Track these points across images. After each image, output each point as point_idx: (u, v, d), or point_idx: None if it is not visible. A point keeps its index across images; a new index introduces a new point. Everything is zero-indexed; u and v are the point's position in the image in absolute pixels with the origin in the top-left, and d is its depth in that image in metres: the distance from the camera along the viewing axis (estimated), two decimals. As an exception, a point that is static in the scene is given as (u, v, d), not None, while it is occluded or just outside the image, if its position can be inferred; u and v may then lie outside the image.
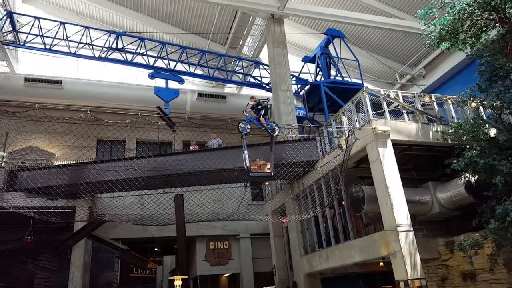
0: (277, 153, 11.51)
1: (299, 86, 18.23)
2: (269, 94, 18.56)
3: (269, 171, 10.47)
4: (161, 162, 11.57)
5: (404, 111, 10.61)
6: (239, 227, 18.46)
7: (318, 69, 18.49)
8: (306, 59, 19.11)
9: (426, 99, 11.19)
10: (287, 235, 14.82)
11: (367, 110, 10.33)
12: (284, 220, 14.51)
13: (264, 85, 18.41)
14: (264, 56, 20.43)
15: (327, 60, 18.40)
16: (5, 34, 15.03)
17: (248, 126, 11.11)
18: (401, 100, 10.83)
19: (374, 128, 9.51)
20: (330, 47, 18.54)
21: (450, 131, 9.71)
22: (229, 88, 23.46)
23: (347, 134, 9.82)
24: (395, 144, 9.68)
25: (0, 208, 11.66)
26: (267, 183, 15.94)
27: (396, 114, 10.67)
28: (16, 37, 15.56)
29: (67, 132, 13.71)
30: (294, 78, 17.87)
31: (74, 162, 12.12)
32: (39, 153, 16.62)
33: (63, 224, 14.49)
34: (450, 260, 9.95)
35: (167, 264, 21.57)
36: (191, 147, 14.99)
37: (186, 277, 13.01)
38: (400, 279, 8.19)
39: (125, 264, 17.98)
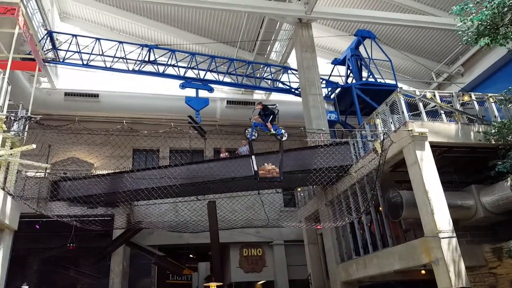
0: (307, 158, 11.39)
1: (329, 89, 17.96)
2: (298, 99, 18.49)
3: (277, 175, 10.40)
4: (193, 169, 11.73)
5: (442, 112, 10.21)
6: (272, 233, 18.33)
7: (349, 71, 18.17)
8: (336, 62, 18.83)
9: (466, 98, 10.71)
10: (322, 242, 14.55)
11: (402, 112, 10.02)
12: (318, 227, 14.27)
13: (293, 90, 18.30)
14: (292, 61, 20.33)
15: (358, 62, 18.05)
16: (46, 52, 15.83)
17: (255, 132, 11.12)
18: (439, 100, 10.42)
19: (411, 130, 9.22)
20: (361, 48, 18.18)
21: (493, 131, 9.23)
22: (258, 95, 23.53)
23: (382, 137, 9.54)
24: (434, 146, 9.31)
25: (44, 216, 12.20)
26: (299, 189, 15.77)
27: (433, 115, 10.28)
28: (56, 55, 16.35)
29: (105, 143, 14.24)
30: (324, 82, 17.63)
31: (112, 171, 12.51)
32: (80, 164, 17.32)
33: (103, 231, 14.96)
34: (498, 268, 9.36)
35: (202, 270, 21.73)
36: (221, 155, 15.11)
37: (221, 284, 13.05)
38: (443, 287, 7.81)
39: (161, 271, 18.29)
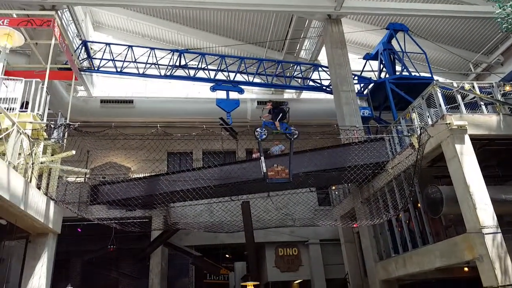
0: (341, 156, 11.17)
1: (362, 85, 17.56)
2: (329, 97, 18.18)
3: (286, 176, 10.20)
4: (226, 170, 11.78)
5: (482, 103, 9.70)
6: (307, 233, 18.14)
7: (381, 66, 17.69)
8: (368, 57, 18.37)
9: (507, 88, 10.13)
10: (358, 241, 14.24)
11: (440, 105, 9.63)
12: (355, 225, 13.97)
13: (324, 88, 18.05)
14: (322, 58, 20.06)
15: (391, 56, 17.53)
16: (81, 61, 16.50)
17: (265, 131, 10.94)
18: (478, 91, 9.90)
19: (449, 123, 8.85)
20: (393, 42, 17.64)
21: (538, 121, 8.65)
22: (288, 94, 23.38)
23: (419, 132, 9.22)
24: (474, 139, 8.89)
25: (85, 220, 12.69)
26: (333, 188, 15.51)
27: (472, 106, 9.80)
28: (91, 63, 17.03)
29: (141, 147, 14.62)
30: (356, 78, 17.26)
31: (148, 174, 12.84)
32: (117, 168, 17.91)
33: (142, 233, 15.38)
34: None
35: (238, 270, 21.83)
36: (254, 155, 15.12)
37: (258, 283, 13.05)
38: (489, 285, 7.48)
39: (199, 271, 18.56)
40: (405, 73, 16.96)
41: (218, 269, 18.58)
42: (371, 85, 17.30)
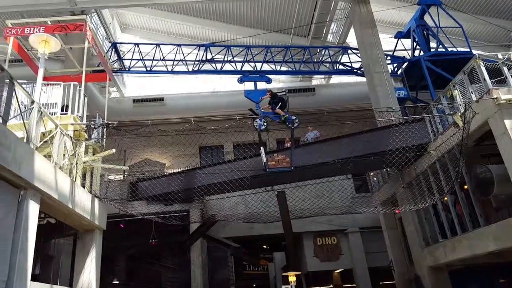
0: (379, 140, 10.80)
1: (395, 65, 16.90)
2: (361, 79, 17.65)
3: (287, 165, 9.92)
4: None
5: (532, 74, 9.02)
6: (345, 221, 17.81)
7: (415, 44, 16.91)
8: (400, 35, 17.61)
9: (557, 55, 9.37)
10: (401, 227, 13.82)
11: (484, 79, 9.05)
12: (396, 211, 13.55)
13: (355, 70, 17.52)
14: (351, 40, 19.46)
15: (425, 32, 16.72)
16: (112, 63, 16.83)
17: (265, 122, 10.70)
18: (526, 61, 9.23)
19: (496, 98, 8.32)
20: (426, 18, 16.79)
21: None
22: (317, 80, 22.95)
23: (462, 109, 8.70)
24: (525, 113, 8.27)
25: (127, 216, 13.03)
26: (371, 173, 15.09)
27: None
28: (122, 64, 17.34)
29: (174, 143, 14.79)
30: (388, 58, 16.61)
31: (183, 169, 12.98)
32: (153, 164, 18.26)
33: (181, 226, 15.64)
34: None
35: (278, 260, 21.90)
36: (286, 144, 14.95)
37: (300, 273, 12.96)
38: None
39: (238, 262, 18.72)
40: (441, 49, 16.16)
41: (257, 260, 18.67)
42: (405, 64, 16.62)
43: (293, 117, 10.84)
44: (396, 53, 17.33)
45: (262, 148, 10.40)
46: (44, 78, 10.97)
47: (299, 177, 12.90)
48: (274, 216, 13.70)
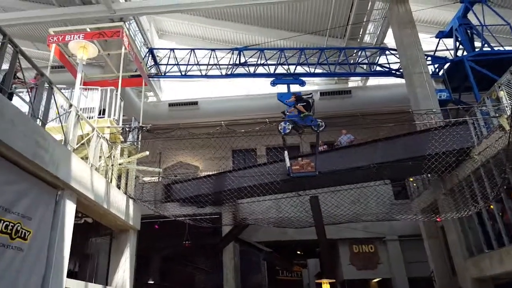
0: (418, 144, 10.29)
1: (436, 66, 16.14)
2: (400, 81, 17.02)
3: (312, 169, 9.49)
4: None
5: None
6: (383, 228, 17.15)
7: (457, 43, 16.06)
8: (441, 35, 16.79)
9: None
10: (443, 236, 13.08)
11: (533, 79, 8.36)
12: (438, 219, 12.84)
13: (393, 72, 16.91)
14: (389, 41, 18.83)
15: (468, 31, 15.83)
16: (149, 68, 17.32)
17: (289, 125, 10.40)
18: None
19: (548, 98, 7.63)
20: (470, 16, 15.91)
21: None
22: (353, 82, 22.41)
23: (509, 112, 8.10)
24: None
25: (161, 217, 13.28)
26: (411, 179, 14.43)
27: None
28: (158, 69, 17.80)
29: (206, 146, 14.93)
30: (429, 58, 15.90)
31: (215, 172, 13.06)
32: (187, 167, 18.57)
33: (214, 229, 15.74)
34: None
35: (312, 267, 21.49)
36: (320, 148, 14.63)
37: (334, 281, 12.59)
38: None
39: (271, 267, 18.54)
40: (486, 48, 15.23)
41: (290, 266, 18.38)
42: (447, 65, 15.81)
43: (319, 121, 10.57)
44: (437, 54, 16.55)
45: (286, 152, 10.23)
46: (84, 83, 11.47)
47: (333, 181, 12.57)
48: (307, 221, 13.43)
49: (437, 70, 16.11)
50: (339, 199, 13.43)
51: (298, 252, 21.21)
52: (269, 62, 17.15)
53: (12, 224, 4.97)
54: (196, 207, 13.24)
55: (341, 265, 17.53)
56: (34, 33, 20.04)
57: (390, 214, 13.71)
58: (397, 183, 16.23)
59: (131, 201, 9.74)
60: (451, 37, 16.44)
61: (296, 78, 16.45)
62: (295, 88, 16.34)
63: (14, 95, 6.55)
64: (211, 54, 17.18)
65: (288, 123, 10.81)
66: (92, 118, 9.73)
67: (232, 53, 17.26)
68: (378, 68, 17.41)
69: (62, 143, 6.95)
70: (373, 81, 21.54)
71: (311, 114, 10.96)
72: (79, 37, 9.68)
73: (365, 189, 13.49)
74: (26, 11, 16.64)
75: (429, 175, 12.30)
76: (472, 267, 10.80)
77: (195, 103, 20.66)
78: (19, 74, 7.03)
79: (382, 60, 17.35)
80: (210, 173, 13.74)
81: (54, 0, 17.12)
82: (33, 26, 18.73)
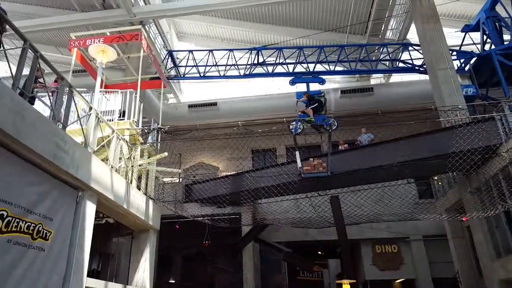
0: (443, 141, 9.95)
1: (462, 61, 15.53)
2: (424, 77, 16.56)
3: (324, 170, 9.24)
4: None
5: None
6: (407, 228, 16.75)
7: (485, 37, 15.43)
8: (467, 29, 16.13)
9: None
10: (470, 236, 12.65)
11: None
12: (464, 219, 12.41)
13: (417, 68, 16.44)
14: (412, 36, 18.33)
15: (496, 24, 15.17)
16: (169, 70, 17.51)
17: (300, 125, 10.23)
18: None
19: None
20: (498, 8, 15.26)
21: None
22: (375, 79, 21.97)
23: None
24: None
25: (181, 217, 13.41)
26: (435, 178, 14.00)
27: None
28: (177, 71, 17.97)
29: (226, 147, 15.00)
30: (454, 53, 15.35)
31: (234, 172, 13.07)
32: (207, 168, 18.69)
33: (233, 229, 15.77)
34: None
35: (333, 267, 21.23)
36: (340, 147, 14.41)
37: (355, 281, 12.37)
38: None
39: (292, 267, 18.43)
40: (515, 41, 14.57)
41: (310, 266, 18.21)
42: (474, 59, 15.21)
43: (331, 120, 10.42)
44: (463, 48, 15.96)
45: (297, 152, 10.14)
46: (105, 86, 11.72)
47: (354, 181, 12.34)
48: (327, 221, 13.24)
49: (463, 65, 15.52)
50: (360, 199, 13.20)
51: (319, 253, 20.99)
52: (287, 61, 17.01)
53: (34, 225, 5.11)
54: (216, 207, 13.30)
55: (363, 265, 17.29)
56: (57, 39, 20.67)
57: (413, 214, 13.35)
58: (422, 182, 15.80)
59: (150, 202, 9.87)
60: (478, 30, 15.79)
61: (315, 77, 16.24)
62: (314, 86, 16.18)
63: (36, 99, 6.75)
64: (229, 55, 17.20)
65: (299, 123, 10.72)
66: (112, 120, 9.92)
67: (250, 53, 17.22)
68: (401, 65, 16.96)
69: (83, 145, 7.10)
70: (396, 77, 21.05)
71: (323, 114, 10.87)
72: (99, 41, 9.89)
73: (388, 189, 13.19)
74: (50, 17, 17.13)
75: (454, 173, 11.90)
76: (499, 268, 10.39)
77: (215, 103, 20.75)
78: (40, 79, 7.24)
79: (405, 56, 16.90)
80: (230, 173, 13.78)
81: (76, 6, 17.58)
82: (57, 31, 19.27)
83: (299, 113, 11.04)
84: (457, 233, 13.69)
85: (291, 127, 10.54)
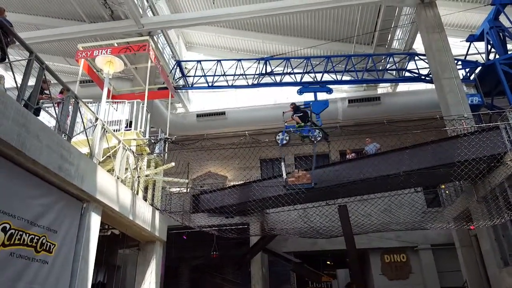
0: (449, 150, 9.89)
1: (467, 70, 15.50)
2: (430, 87, 16.50)
3: (308, 181, 9.23)
4: (317, 174, 11.33)
5: None
6: (415, 237, 16.59)
7: (489, 47, 15.39)
8: (472, 38, 16.12)
9: None
10: (477, 244, 12.48)
11: None
12: (471, 227, 12.26)
13: (423, 77, 16.43)
14: (418, 46, 18.33)
15: (500, 34, 15.13)
16: (177, 80, 17.75)
17: (287, 136, 10.31)
18: None
19: None
20: (502, 18, 15.22)
21: None
22: (382, 88, 21.94)
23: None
24: None
25: (190, 228, 13.45)
26: (442, 186, 13.87)
27: None
28: (185, 81, 18.21)
29: (234, 156, 15.01)
30: (459, 63, 15.32)
31: (240, 182, 13.10)
32: (215, 177, 18.77)
33: (242, 240, 15.73)
34: None
35: (342, 277, 21.05)
36: (347, 156, 14.40)
37: (362, 292, 12.24)
38: None
39: (300, 277, 18.29)
40: (520, 51, 14.47)
41: (319, 276, 18.06)
42: (479, 69, 15.17)
43: (316, 131, 10.53)
44: (468, 57, 15.92)
45: (282, 163, 10.22)
46: (113, 97, 11.93)
47: (360, 190, 12.30)
48: (335, 231, 13.18)
49: (468, 74, 15.49)
50: (368, 208, 13.11)
51: (328, 262, 20.81)
52: (295, 70, 17.13)
53: (38, 237, 5.10)
54: (224, 217, 13.32)
55: (372, 275, 17.15)
56: (65, 49, 21.06)
57: (421, 223, 13.22)
58: (430, 191, 15.66)
59: (157, 213, 9.92)
60: (482, 40, 15.77)
61: (323, 86, 16.32)
62: (322, 96, 16.24)
63: (42, 110, 6.91)
64: (237, 65, 17.38)
65: (286, 134, 10.85)
66: (119, 130, 10.07)
67: (258, 63, 17.39)
68: (407, 74, 16.96)
69: (88, 156, 7.21)
70: (402, 87, 21.01)
71: (308, 125, 11.05)
72: (106, 52, 10.11)
73: (395, 197, 13.09)
74: (58, 28, 17.45)
75: (460, 182, 11.79)
76: (507, 277, 10.21)
77: (223, 113, 20.92)
78: (47, 91, 7.41)
79: (411, 65, 16.89)
80: (238, 183, 13.81)
81: (84, 17, 17.94)
82: (65, 42, 19.63)
83: (285, 124, 11.19)
84: (465, 241, 13.56)
85: (277, 137, 10.66)
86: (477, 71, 15.21)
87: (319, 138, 10.81)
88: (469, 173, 9.19)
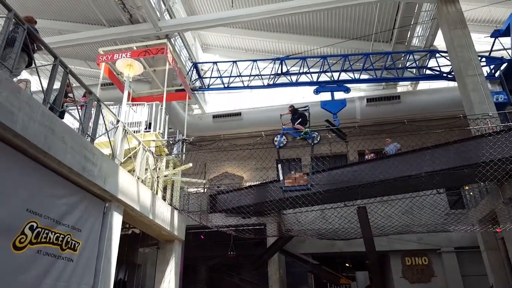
0: (473, 150, 9.61)
1: (492, 67, 15.02)
2: (452, 84, 16.09)
3: (305, 183, 9.08)
4: (336, 174, 11.19)
5: None
6: (438, 240, 16.20)
7: (516, 41, 14.88)
8: (497, 33, 15.55)
9: None
10: (504, 247, 12.08)
11: None
12: (497, 230, 11.87)
13: (445, 75, 16.02)
14: (439, 43, 17.93)
15: (528, 28, 14.62)
16: (193, 81, 17.85)
17: (284, 138, 10.16)
18: None
19: None
20: (530, 10, 14.72)
21: None
22: (402, 87, 21.56)
23: None
24: None
25: (207, 227, 13.50)
26: (467, 188, 13.51)
27: None
28: (202, 83, 18.30)
29: (250, 157, 15.00)
30: (483, 59, 14.87)
31: (258, 183, 13.07)
32: (231, 178, 18.79)
33: (259, 240, 15.70)
34: None
35: (361, 280, 20.70)
36: (366, 157, 14.18)
37: (381, 295, 12.02)
38: None
39: (318, 279, 18.12)
40: (549, 45, 13.95)
41: (337, 279, 17.84)
42: (504, 65, 14.67)
43: (314, 134, 10.43)
44: (493, 54, 15.43)
45: (279, 165, 10.17)
46: (132, 99, 12.09)
47: (380, 191, 12.08)
48: (354, 233, 12.99)
49: (493, 71, 15.00)
50: (388, 209, 12.87)
51: (347, 265, 20.57)
52: (311, 70, 16.98)
53: (63, 236, 5.25)
54: (240, 218, 13.31)
55: (393, 278, 16.82)
56: (86, 53, 21.50)
57: (443, 225, 12.89)
58: (453, 192, 15.27)
59: (176, 212, 10.02)
60: (508, 35, 15.23)
61: (340, 85, 16.15)
62: (339, 95, 16.05)
63: (66, 113, 7.05)
64: (253, 65, 17.35)
65: (283, 137, 10.82)
66: (138, 132, 10.20)
67: (274, 63, 17.31)
68: (428, 72, 16.57)
69: (110, 157, 7.32)
70: (423, 85, 20.59)
71: (308, 132, 11.01)
72: (126, 55, 10.26)
73: (417, 199, 12.81)
74: (80, 32, 17.85)
75: (486, 183, 11.44)
76: (538, 284, 9.84)
77: (239, 114, 20.94)
78: (70, 94, 7.56)
79: (432, 63, 16.50)
80: (255, 183, 13.79)
81: (104, 21, 18.29)
82: (86, 46, 20.05)
83: (283, 126, 11.16)
84: (491, 244, 13.13)
85: (275, 139, 10.65)
86: (502, 67, 14.72)
87: (316, 141, 10.75)
88: (494, 173, 8.90)
